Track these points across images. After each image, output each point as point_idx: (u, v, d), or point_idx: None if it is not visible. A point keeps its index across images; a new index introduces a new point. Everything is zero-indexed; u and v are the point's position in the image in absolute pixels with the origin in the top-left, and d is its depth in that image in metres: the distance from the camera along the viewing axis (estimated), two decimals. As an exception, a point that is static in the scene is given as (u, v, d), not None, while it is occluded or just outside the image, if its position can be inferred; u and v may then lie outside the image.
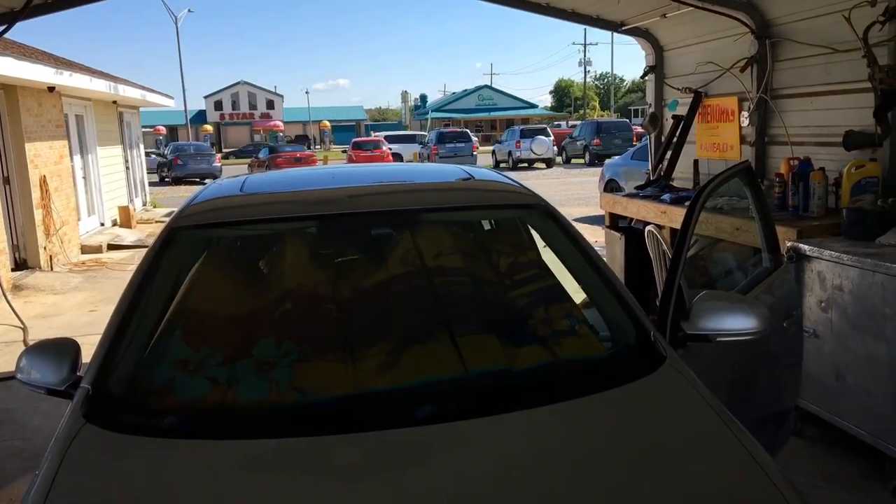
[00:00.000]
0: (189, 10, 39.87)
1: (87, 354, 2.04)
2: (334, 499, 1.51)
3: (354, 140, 33.55)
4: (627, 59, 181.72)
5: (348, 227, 2.60)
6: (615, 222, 5.93)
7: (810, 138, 4.67)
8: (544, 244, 2.61)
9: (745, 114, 5.23)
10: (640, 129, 24.31)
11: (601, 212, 6.26)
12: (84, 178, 11.86)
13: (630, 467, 1.61)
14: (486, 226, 3.01)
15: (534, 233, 2.72)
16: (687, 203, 4.87)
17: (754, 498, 1.53)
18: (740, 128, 5.34)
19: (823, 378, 3.47)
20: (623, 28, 6.41)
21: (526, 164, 28.20)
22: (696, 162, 5.67)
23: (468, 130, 33.13)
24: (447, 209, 2.59)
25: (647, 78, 6.54)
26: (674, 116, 6.01)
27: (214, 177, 23.69)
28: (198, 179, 25.59)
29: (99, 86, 11.13)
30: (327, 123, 54.97)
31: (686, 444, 1.70)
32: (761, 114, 5.08)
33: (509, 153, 28.65)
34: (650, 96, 6.53)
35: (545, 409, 1.78)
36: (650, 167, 6.41)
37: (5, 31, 5.40)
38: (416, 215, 2.54)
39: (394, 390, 1.88)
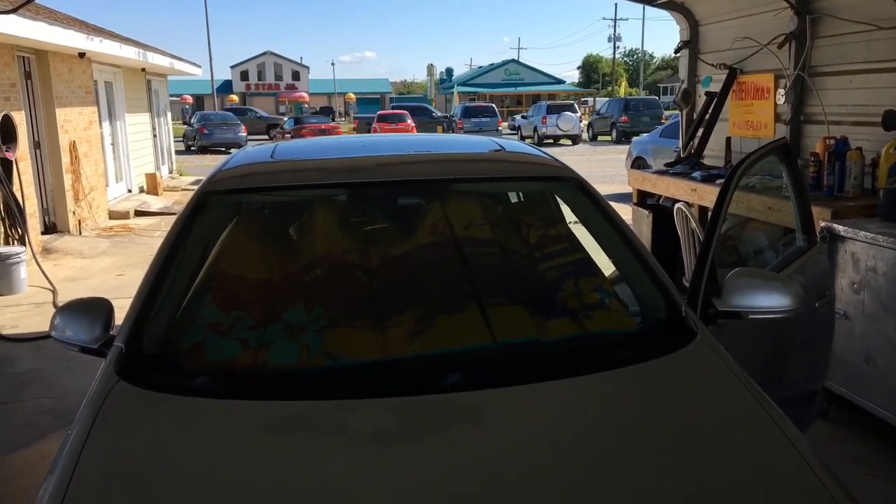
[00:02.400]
0: (217, -21, 39.62)
1: (116, 317, 2.07)
2: (359, 461, 1.52)
3: (379, 112, 33.45)
4: (658, 36, 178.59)
5: (379, 196, 2.59)
6: (643, 199, 5.87)
7: (848, 117, 4.56)
8: (575, 217, 2.59)
9: (782, 91, 5.11)
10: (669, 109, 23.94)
11: (628, 189, 6.19)
12: (112, 144, 11.97)
13: (659, 440, 1.60)
14: (517, 198, 2.99)
15: (564, 206, 2.70)
16: (718, 181, 4.82)
17: (785, 473, 1.51)
18: (776, 105, 5.23)
19: (853, 360, 3.42)
20: (658, 2, 6.28)
21: (552, 141, 27.96)
22: (728, 140, 5.58)
23: (493, 105, 32.84)
24: (478, 180, 2.57)
25: (680, 53, 6.41)
26: (707, 93, 5.90)
27: (240, 146, 23.79)
28: (223, 149, 25.72)
29: (128, 52, 11.18)
30: (352, 96, 54.85)
31: (716, 419, 1.69)
32: (798, 92, 4.96)
33: (535, 129, 28.40)
34: (683, 72, 6.41)
35: (573, 380, 1.77)
36: (681, 144, 6.31)
37: (38, -6, 5.42)
38: (447, 185, 2.52)
39: (422, 357, 1.89)
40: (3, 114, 7.18)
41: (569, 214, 2.64)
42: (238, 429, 1.63)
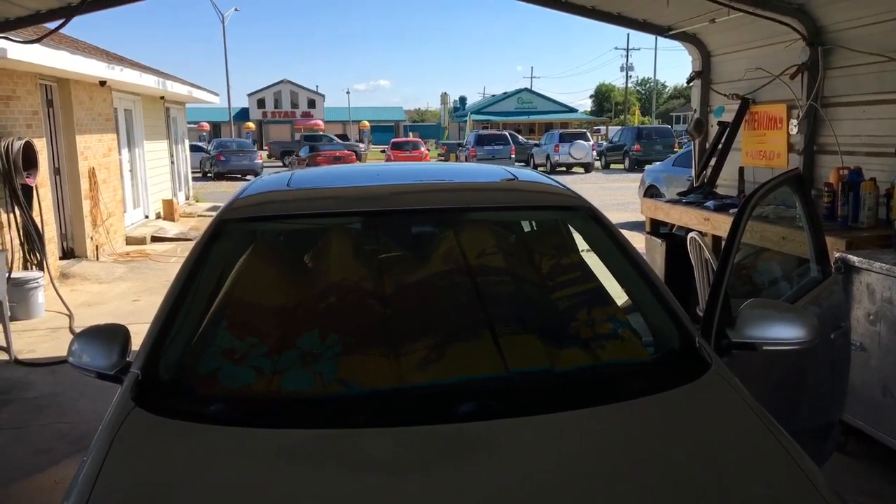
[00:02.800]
0: (236, 10, 40.41)
1: (133, 343, 2.09)
2: (370, 490, 1.53)
3: (393, 140, 33.74)
4: (670, 65, 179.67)
5: (393, 224, 2.62)
6: (656, 228, 5.86)
7: (861, 148, 4.56)
8: (587, 246, 2.60)
9: (794, 122, 5.12)
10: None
11: (640, 218, 6.19)
12: (131, 170, 12.13)
13: (671, 473, 1.60)
14: (529, 227, 3.01)
15: (576, 235, 2.71)
16: (731, 210, 4.82)
17: None
18: (788, 136, 5.23)
19: (870, 392, 3.38)
20: (670, 33, 6.34)
21: (564, 169, 28.04)
22: (741, 169, 5.59)
23: (507, 133, 33.03)
24: (491, 209, 2.60)
25: (692, 83, 6.46)
26: (719, 123, 5.92)
27: (256, 173, 24.04)
28: (239, 175, 26.00)
29: (148, 81, 11.39)
30: (367, 123, 55.35)
31: (730, 452, 1.68)
32: (810, 122, 4.97)
33: (547, 157, 28.51)
34: (695, 102, 6.44)
35: (586, 411, 1.77)
36: (693, 174, 6.32)
37: (62, 25, 5.57)
38: (460, 214, 2.55)
39: (435, 386, 1.89)
40: (24, 141, 7.32)
41: (581, 243, 2.66)
42: (252, 457, 1.64)
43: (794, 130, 5.17)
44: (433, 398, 1.85)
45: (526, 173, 3.07)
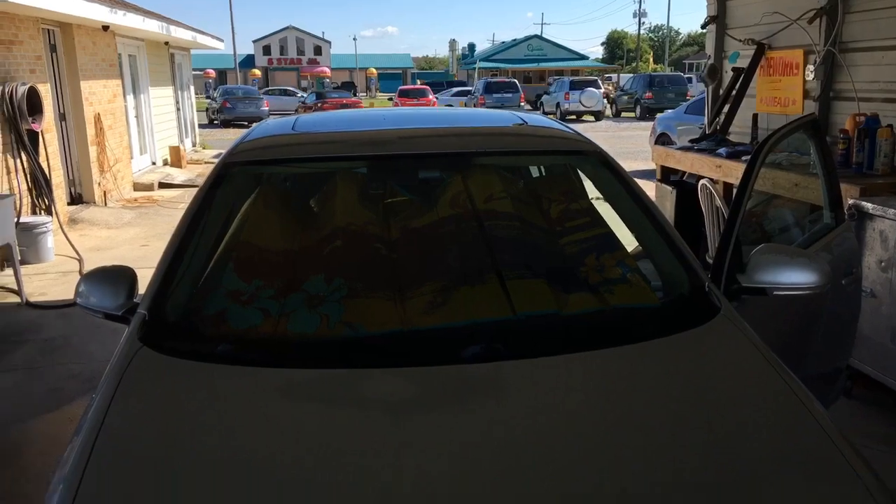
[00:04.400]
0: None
1: (140, 287, 2.09)
2: (373, 428, 1.53)
3: (401, 88, 33.31)
4: (684, 11, 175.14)
5: (400, 169, 2.59)
6: (667, 176, 5.80)
7: (879, 94, 4.46)
8: (598, 194, 2.56)
9: (811, 67, 5.00)
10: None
11: (651, 166, 6.12)
12: (136, 117, 12.04)
13: (679, 413, 1.60)
14: (538, 172, 2.97)
15: (586, 180, 2.67)
16: (744, 158, 4.74)
17: (808, 448, 1.50)
18: (804, 82, 5.12)
19: (878, 339, 3.38)
20: (685, -26, 6.14)
21: (574, 117, 27.68)
22: (755, 116, 5.48)
23: (516, 80, 32.53)
24: (500, 153, 2.55)
25: (707, 28, 6.29)
26: (734, 69, 5.79)
27: (262, 120, 23.84)
28: (246, 123, 25.81)
29: (151, 26, 11.20)
30: (374, 71, 54.62)
31: (738, 393, 1.67)
32: (828, 68, 4.85)
33: (557, 105, 28.12)
34: (710, 47, 6.29)
35: (593, 353, 1.76)
36: (706, 121, 6.22)
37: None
38: (468, 159, 2.51)
39: (441, 329, 1.89)
40: (28, 86, 7.25)
41: (591, 190, 2.62)
42: (258, 395, 1.65)
43: (810, 76, 5.04)
44: (439, 341, 1.85)
45: (536, 118, 3.01)
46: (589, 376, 1.74)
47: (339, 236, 2.22)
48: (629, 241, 2.37)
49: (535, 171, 3.08)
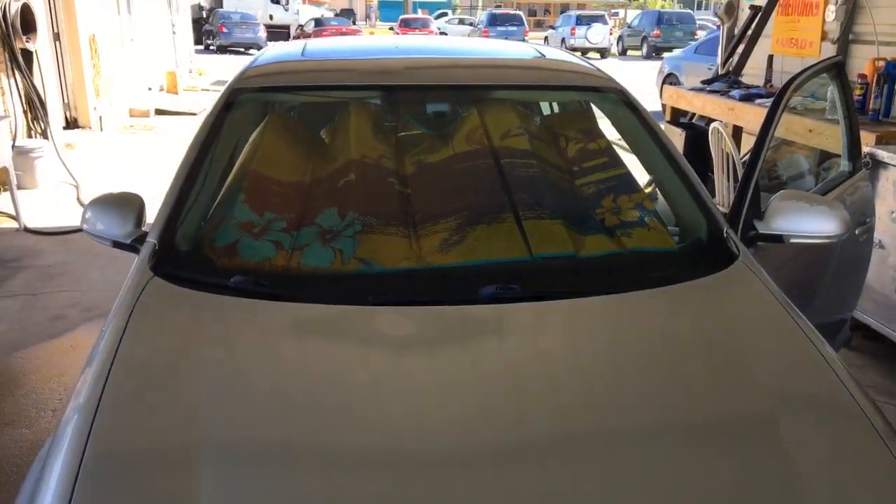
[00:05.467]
0: None
1: (147, 217, 2.05)
2: (384, 364, 1.55)
3: (402, 17, 32.45)
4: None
5: (415, 101, 2.51)
6: (676, 118, 5.70)
7: (901, 38, 4.34)
8: (617, 134, 2.50)
9: (832, 7, 4.85)
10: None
11: (658, 108, 6.01)
12: (132, 40, 11.72)
13: (694, 357, 1.60)
14: (557, 108, 2.89)
15: (606, 119, 2.61)
16: (758, 101, 4.65)
17: (822, 394, 1.52)
18: (824, 22, 4.97)
19: (883, 290, 3.38)
20: None
21: (579, 54, 27.08)
22: (770, 58, 5.36)
23: (521, 13, 31.72)
24: (519, 87, 2.48)
25: (726, -38, 6.08)
26: (751, 6, 5.62)
27: (259, 47, 23.25)
28: (243, 49, 25.20)
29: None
30: (374, -3, 53.05)
31: (754, 339, 1.68)
32: (849, 9, 4.71)
33: (563, 40, 27.49)
34: (727, -17, 6.09)
35: (609, 297, 1.75)
36: (719, 61, 6.08)
37: None
38: (485, 92, 2.43)
39: (456, 268, 1.86)
40: (22, 2, 7.00)
41: (611, 129, 2.56)
42: (269, 328, 1.65)
43: (830, 17, 4.90)
44: (454, 280, 1.83)
45: (554, 52, 2.92)
46: (605, 320, 1.74)
47: (351, 169, 2.16)
48: (647, 182, 2.32)
49: (553, 108, 3.00)
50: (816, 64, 2.71)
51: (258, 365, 1.53)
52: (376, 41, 3.33)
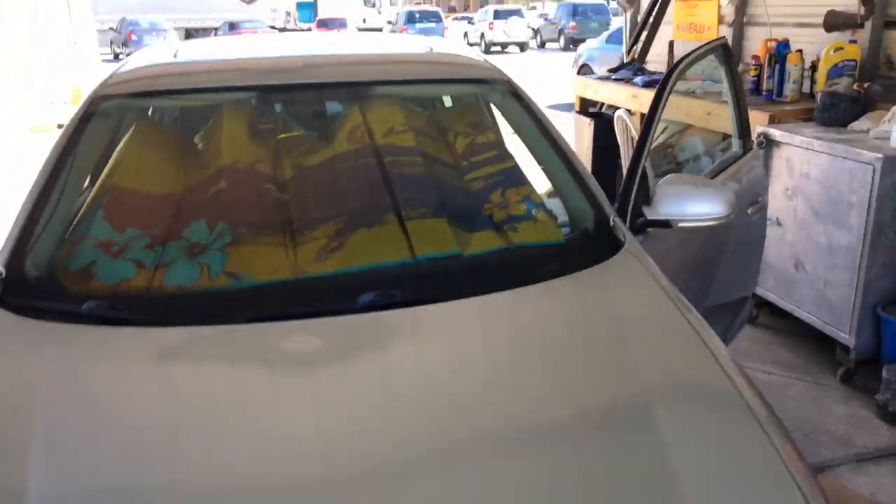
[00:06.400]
0: None
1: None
2: (256, 387, 1.45)
3: (319, 18, 32.03)
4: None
5: (293, 100, 2.40)
6: (585, 108, 5.73)
7: (791, 18, 4.45)
8: (508, 125, 2.45)
9: (726, -9, 4.96)
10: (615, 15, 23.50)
11: (573, 99, 6.03)
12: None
13: (574, 351, 1.57)
14: (445, 103, 2.82)
15: (496, 112, 2.55)
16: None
17: (702, 381, 1.50)
18: (719, 7, 5.08)
19: (783, 266, 3.45)
20: None
21: (499, 48, 27.29)
22: (671, 43, 5.44)
23: (439, 10, 31.76)
24: (400, 82, 2.39)
25: (625, -49, 6.15)
26: (652, -6, 5.69)
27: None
28: (155, 57, 24.41)
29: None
30: (291, -3, 52.11)
31: (637, 328, 1.65)
32: (742, -8, 4.82)
33: (482, 35, 27.63)
34: (628, -28, 6.16)
35: (490, 296, 1.70)
36: (624, 49, 6.14)
37: None
38: (366, 88, 2.34)
39: (334, 276, 1.76)
40: None
41: (505, 125, 2.50)
42: (127, 357, 1.52)
43: (725, 1, 5.01)
44: (331, 289, 1.73)
45: (443, 45, 2.85)
46: (490, 320, 1.69)
47: (223, 176, 2.03)
48: (537, 175, 2.28)
49: (443, 103, 2.93)
50: (701, 46, 2.72)
51: (102, 399, 1.40)
52: (258, 39, 3.19)
